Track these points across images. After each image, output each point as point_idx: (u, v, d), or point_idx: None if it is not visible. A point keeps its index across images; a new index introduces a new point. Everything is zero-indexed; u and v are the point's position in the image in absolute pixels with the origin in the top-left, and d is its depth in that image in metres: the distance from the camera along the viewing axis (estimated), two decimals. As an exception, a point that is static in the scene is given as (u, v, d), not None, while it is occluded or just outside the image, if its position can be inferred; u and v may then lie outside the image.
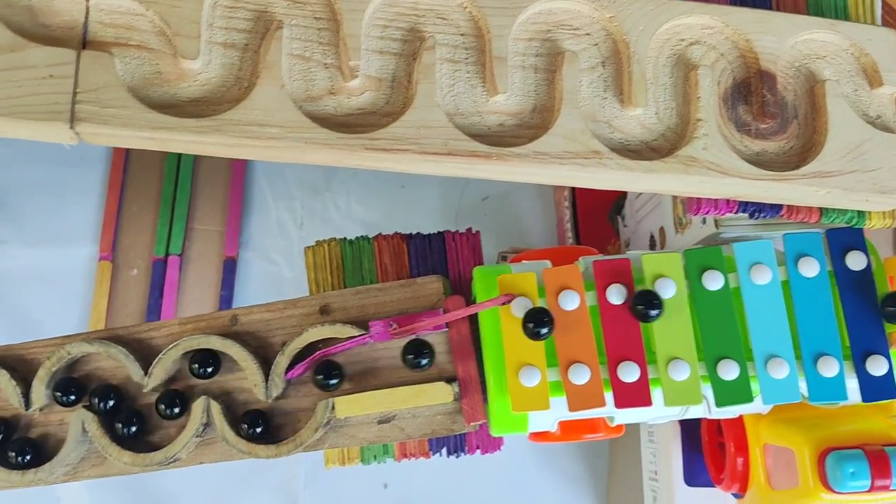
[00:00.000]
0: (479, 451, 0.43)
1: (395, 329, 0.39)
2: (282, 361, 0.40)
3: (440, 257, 0.44)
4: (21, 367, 0.42)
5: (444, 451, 0.43)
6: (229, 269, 0.69)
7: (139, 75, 0.34)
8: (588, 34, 0.39)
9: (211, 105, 0.34)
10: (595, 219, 0.64)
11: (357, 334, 0.39)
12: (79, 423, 0.40)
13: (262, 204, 0.72)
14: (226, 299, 0.69)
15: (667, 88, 0.39)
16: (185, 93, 0.34)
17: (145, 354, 0.41)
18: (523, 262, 0.41)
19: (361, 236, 0.46)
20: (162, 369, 0.40)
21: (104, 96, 0.33)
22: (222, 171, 0.72)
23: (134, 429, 0.39)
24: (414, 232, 0.45)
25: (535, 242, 0.71)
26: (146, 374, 0.40)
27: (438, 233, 0.44)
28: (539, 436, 0.43)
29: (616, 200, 0.63)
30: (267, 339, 0.41)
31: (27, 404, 0.41)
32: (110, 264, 0.69)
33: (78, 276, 0.69)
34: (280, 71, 0.35)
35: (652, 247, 0.54)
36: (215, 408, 0.39)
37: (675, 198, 0.47)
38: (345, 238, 0.46)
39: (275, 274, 0.70)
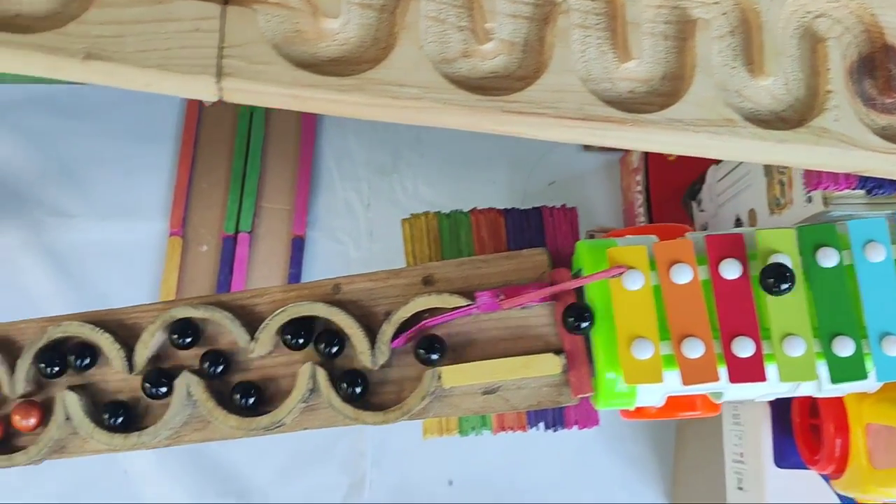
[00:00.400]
0: (576, 426, 0.43)
1: (502, 300, 0.39)
2: (388, 330, 0.40)
3: (537, 232, 0.44)
4: (121, 332, 0.42)
5: (541, 425, 0.43)
6: (297, 247, 0.70)
7: (280, 33, 0.34)
8: (717, 3, 0.39)
9: (350, 65, 0.34)
10: (669, 204, 0.64)
11: (464, 304, 0.39)
12: (184, 387, 0.40)
13: (329, 184, 0.72)
14: (294, 277, 0.69)
15: (794, 60, 0.39)
16: (325, 52, 0.35)
17: (249, 321, 0.41)
18: (627, 237, 0.41)
19: (457, 210, 0.46)
20: (269, 335, 0.40)
21: (250, 52, 0.33)
22: (291, 150, 0.72)
23: (252, 400, 0.40)
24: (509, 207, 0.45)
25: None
26: (252, 339, 0.41)
27: (535, 208, 0.45)
28: (634, 412, 0.43)
29: (691, 185, 0.63)
30: (370, 308, 0.41)
31: (130, 368, 0.41)
32: (181, 240, 0.69)
33: (147, 252, 0.70)
34: (417, 32, 0.35)
35: (737, 230, 0.53)
36: (321, 374, 0.40)
37: (771, 178, 0.46)
38: (439, 211, 0.46)
39: (342, 254, 0.71)
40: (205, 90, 0.33)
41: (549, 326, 0.40)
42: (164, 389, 0.41)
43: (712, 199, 0.58)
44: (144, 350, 0.41)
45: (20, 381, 0.42)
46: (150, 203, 0.71)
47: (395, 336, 0.40)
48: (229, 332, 0.42)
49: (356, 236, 0.71)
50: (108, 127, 0.72)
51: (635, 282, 0.37)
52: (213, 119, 0.73)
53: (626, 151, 0.69)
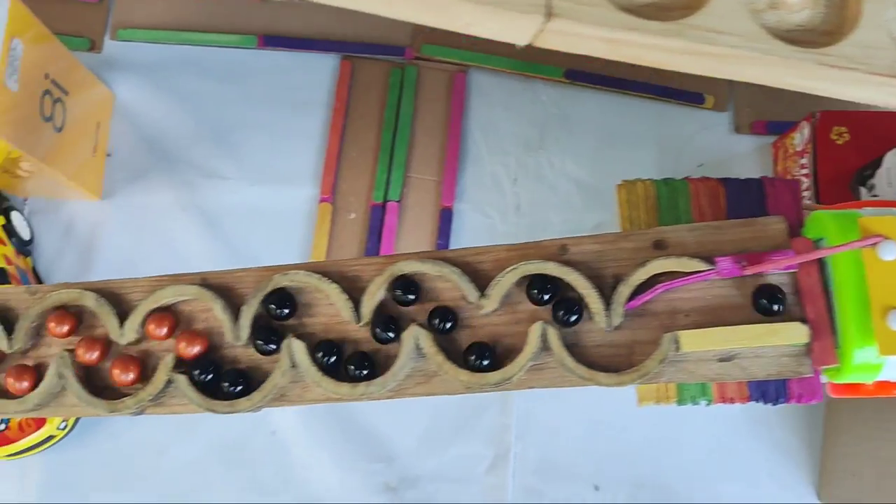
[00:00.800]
0: (799, 399, 0.42)
1: (744, 266, 0.38)
2: (624, 291, 0.40)
3: (758, 203, 0.43)
4: (345, 283, 0.42)
5: (762, 398, 0.42)
6: (446, 218, 0.70)
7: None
8: None
9: (665, 10, 0.34)
10: (835, 188, 0.63)
11: (703, 269, 0.39)
12: (412, 340, 0.41)
13: (476, 158, 0.72)
14: (442, 248, 0.69)
15: None
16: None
17: (474, 278, 0.41)
18: (866, 208, 0.40)
19: (670, 178, 0.46)
20: (500, 292, 0.40)
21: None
22: (439, 123, 0.72)
23: (486, 362, 0.40)
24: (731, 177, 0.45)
25: (756, 211, 0.70)
26: (482, 295, 0.41)
27: (755, 178, 0.44)
28: (848, 388, 0.42)
29: (860, 170, 0.62)
30: (598, 269, 0.41)
31: (357, 318, 0.42)
32: (331, 206, 0.70)
33: (297, 216, 0.70)
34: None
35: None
36: (552, 333, 0.40)
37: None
38: (653, 179, 0.46)
39: (489, 227, 0.71)
40: (526, 31, 0.33)
41: (791, 296, 0.39)
42: (391, 335, 0.41)
43: (891, 183, 0.57)
44: (371, 301, 0.42)
45: (245, 327, 0.42)
46: (299, 169, 0.72)
47: (630, 298, 0.40)
48: (455, 288, 0.42)
49: (503, 210, 0.71)
50: (260, 93, 0.73)
51: (892, 252, 0.37)
52: (363, 90, 0.73)
53: (785, 134, 0.68)
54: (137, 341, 0.44)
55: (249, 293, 0.44)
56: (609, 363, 0.41)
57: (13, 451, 0.61)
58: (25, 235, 0.68)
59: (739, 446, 0.67)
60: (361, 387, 0.41)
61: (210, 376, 0.43)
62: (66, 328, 0.44)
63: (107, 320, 0.44)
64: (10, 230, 0.65)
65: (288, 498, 0.66)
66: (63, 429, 0.63)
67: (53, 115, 0.60)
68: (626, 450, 0.67)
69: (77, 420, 0.64)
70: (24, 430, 0.61)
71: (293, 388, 0.43)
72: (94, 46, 0.73)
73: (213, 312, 0.43)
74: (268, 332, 0.43)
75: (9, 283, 0.62)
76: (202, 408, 0.42)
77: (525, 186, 0.72)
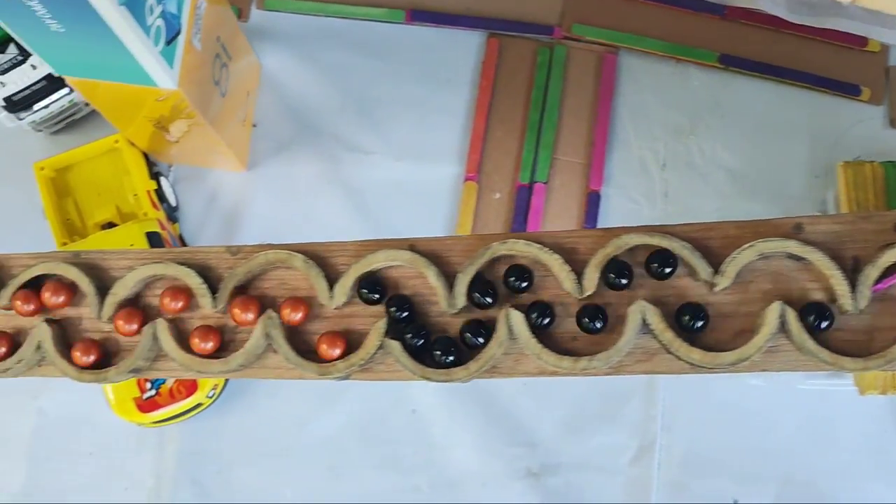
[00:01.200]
0: None
1: None
2: (872, 273, 0.38)
3: None
4: (566, 255, 0.41)
5: None
6: (593, 202, 0.68)
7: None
8: None
9: None
10: None
11: (959, 254, 0.37)
12: (639, 315, 0.39)
13: (624, 142, 0.71)
14: (589, 232, 0.68)
15: None
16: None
17: (704, 254, 0.40)
18: None
19: (892, 161, 0.44)
20: (734, 269, 0.39)
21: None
22: (587, 105, 0.71)
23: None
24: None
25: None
26: (717, 272, 0.39)
27: None
28: None
29: None
30: (838, 250, 0.39)
31: (581, 291, 0.40)
32: (476, 185, 0.69)
33: (441, 194, 0.69)
34: None
35: None
36: (791, 314, 0.38)
37: None
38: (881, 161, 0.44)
39: (635, 212, 0.69)
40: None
41: None
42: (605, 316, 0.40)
43: None
44: (594, 273, 0.40)
45: (461, 295, 0.41)
46: (443, 147, 0.71)
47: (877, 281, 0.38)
48: (685, 264, 0.40)
49: (650, 196, 0.69)
50: (405, 68, 0.72)
51: None
52: (510, 68, 0.72)
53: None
54: (344, 305, 0.43)
55: (459, 261, 0.42)
56: (846, 347, 0.39)
57: (162, 418, 0.61)
58: (173, 202, 0.67)
59: (891, 445, 0.65)
60: (584, 361, 0.40)
61: (421, 342, 0.42)
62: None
63: (316, 282, 0.43)
64: (161, 195, 0.65)
65: (427, 477, 0.65)
66: (211, 397, 0.62)
67: (220, 79, 0.59)
68: (774, 446, 0.65)
69: (223, 390, 0.64)
70: (174, 396, 0.61)
71: (505, 360, 0.41)
72: (241, 15, 0.72)
73: (426, 279, 0.42)
74: (483, 301, 0.42)
75: (163, 247, 0.62)
76: (416, 375, 0.41)
77: (674, 173, 0.70)
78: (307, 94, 0.71)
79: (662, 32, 0.72)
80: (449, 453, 0.65)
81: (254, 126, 0.70)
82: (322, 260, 0.44)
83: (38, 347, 0.44)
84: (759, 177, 0.69)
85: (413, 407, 0.66)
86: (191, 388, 0.60)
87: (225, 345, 0.44)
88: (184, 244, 0.67)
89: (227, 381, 0.63)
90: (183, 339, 0.44)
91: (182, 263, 0.44)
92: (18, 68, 0.62)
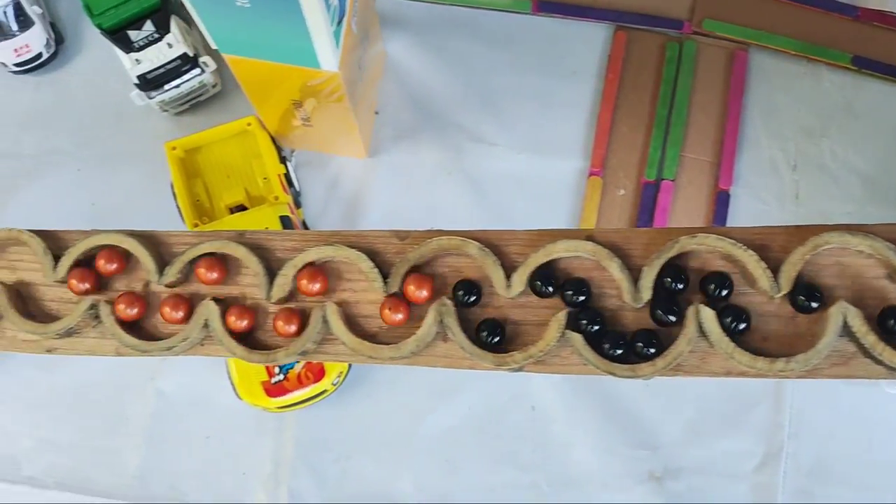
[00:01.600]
0: None
1: None
2: None
3: None
4: (758, 252, 0.40)
5: None
6: (722, 201, 0.67)
7: None
8: None
9: None
10: None
11: None
12: (840, 316, 0.38)
13: (754, 141, 0.69)
14: (717, 232, 0.66)
15: None
16: None
17: (905, 256, 0.38)
18: None
19: None
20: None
21: None
22: (717, 102, 0.69)
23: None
24: None
25: None
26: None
27: None
28: None
29: None
30: None
31: (777, 289, 0.39)
32: (601, 180, 0.67)
33: (563, 188, 0.68)
34: None
35: None
36: None
37: None
38: None
39: (764, 213, 0.67)
40: None
41: None
42: (815, 305, 0.38)
43: None
44: (792, 270, 0.39)
45: (646, 289, 0.40)
46: (567, 140, 0.69)
47: None
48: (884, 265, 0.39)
49: (780, 197, 0.68)
50: (530, 59, 0.71)
51: None
52: (637, 62, 0.70)
53: None
54: (520, 295, 0.42)
55: (639, 254, 0.41)
56: None
57: (287, 403, 0.60)
58: (297, 187, 0.67)
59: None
60: (780, 363, 0.38)
61: (602, 336, 0.40)
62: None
63: (493, 271, 0.42)
64: (289, 180, 0.65)
65: (545, 475, 0.64)
66: (335, 384, 0.62)
67: (362, 64, 0.59)
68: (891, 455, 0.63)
69: (345, 378, 0.63)
70: (302, 382, 0.60)
71: (690, 359, 0.40)
72: (366, 1, 0.71)
73: (603, 272, 0.41)
74: (668, 296, 0.40)
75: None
76: (598, 369, 0.40)
77: (805, 174, 0.68)
78: (430, 82, 0.70)
79: (794, 31, 0.70)
80: (568, 452, 0.64)
81: (376, 113, 0.70)
82: (495, 248, 0.43)
83: (205, 326, 0.44)
84: (892, 182, 0.67)
85: (532, 403, 0.65)
86: (318, 374, 0.60)
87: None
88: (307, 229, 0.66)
89: (349, 368, 0.62)
90: (351, 323, 0.43)
91: (351, 246, 0.44)
92: (154, 46, 0.62)
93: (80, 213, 0.67)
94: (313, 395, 0.61)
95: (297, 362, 0.60)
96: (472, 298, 0.42)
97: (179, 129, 0.70)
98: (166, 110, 0.68)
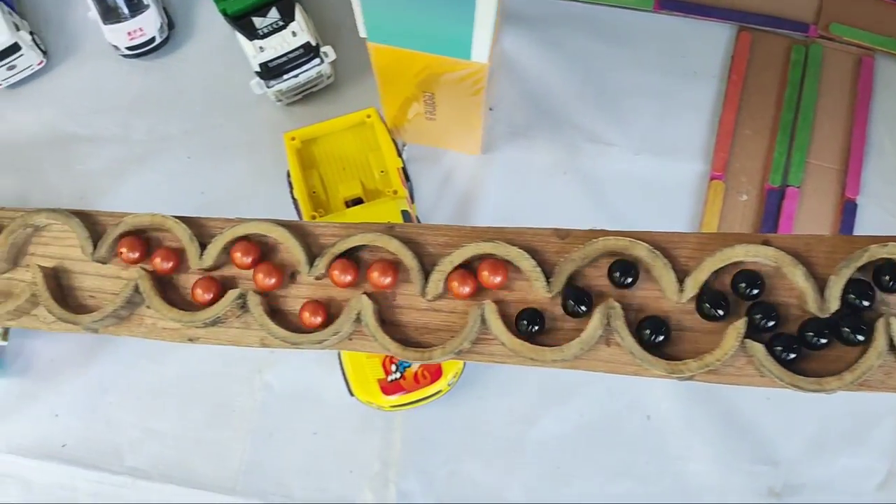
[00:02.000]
0: None
1: None
2: None
3: None
4: None
5: None
6: (849, 211, 0.65)
7: None
8: None
9: None
10: None
11: None
12: None
13: (879, 149, 0.67)
14: (844, 243, 0.64)
15: None
16: None
17: None
18: None
19: None
20: None
21: None
22: (843, 107, 0.67)
23: None
24: None
25: None
26: None
27: None
28: None
29: None
30: None
31: None
32: (723, 185, 0.65)
33: (683, 191, 0.66)
34: None
35: None
36: None
37: None
38: None
39: (891, 225, 0.65)
40: None
41: None
42: None
43: None
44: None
45: (834, 298, 0.38)
46: (687, 142, 0.67)
47: None
48: None
49: (908, 208, 0.65)
50: (652, 57, 0.69)
51: None
52: (762, 64, 0.68)
53: None
54: (690, 300, 0.40)
55: (822, 262, 0.39)
56: None
57: (401, 402, 0.59)
58: (411, 182, 0.65)
59: None
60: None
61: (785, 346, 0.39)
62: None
63: (663, 275, 0.40)
64: (406, 174, 0.63)
65: (661, 488, 0.62)
66: (450, 384, 0.60)
67: (492, 56, 0.57)
68: None
69: (460, 377, 0.61)
70: (419, 381, 0.59)
71: (877, 373, 0.38)
72: (483, -5, 0.70)
73: (787, 279, 0.39)
74: (856, 307, 0.38)
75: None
76: (781, 381, 0.38)
77: (934, 185, 0.66)
78: (547, 79, 0.69)
79: (926, 36, 0.68)
80: (685, 464, 0.62)
81: (490, 109, 0.68)
82: (664, 251, 0.41)
83: (357, 320, 0.43)
84: None
85: (648, 413, 0.63)
86: (436, 374, 0.58)
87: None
88: (420, 226, 0.65)
89: (464, 369, 0.61)
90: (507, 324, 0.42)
91: (510, 244, 0.42)
92: (278, 34, 0.61)
93: (189, 201, 0.67)
94: (429, 394, 0.59)
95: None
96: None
97: (290, 120, 0.69)
98: (280, 100, 0.67)
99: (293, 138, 0.62)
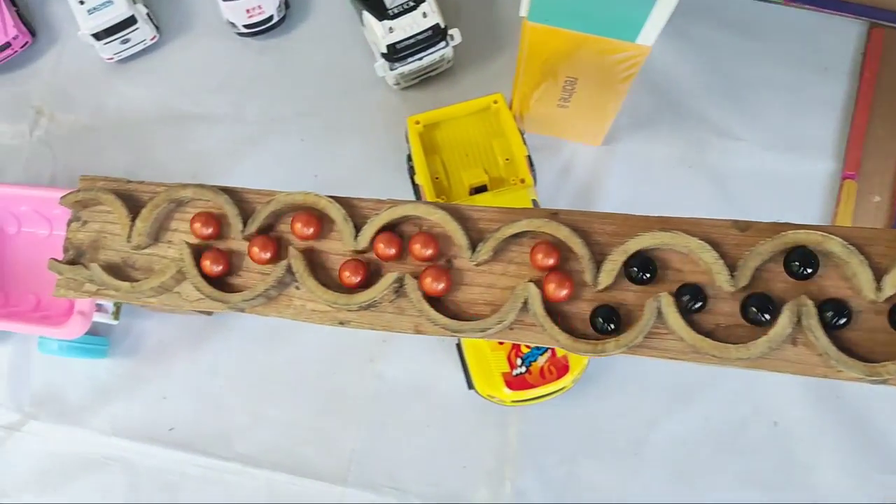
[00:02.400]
0: None
1: None
2: None
3: None
4: None
5: None
6: None
7: None
8: None
9: None
10: None
11: None
12: None
13: None
14: None
15: None
16: None
17: None
18: None
19: None
20: None
21: None
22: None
23: None
24: None
25: None
26: None
27: None
28: None
29: None
30: None
31: None
32: (856, 185, 0.62)
33: (812, 190, 0.64)
34: None
35: None
36: None
37: None
38: None
39: None
40: None
41: None
42: None
43: None
44: None
45: None
46: (817, 139, 0.65)
47: None
48: None
49: None
50: (781, 51, 0.67)
51: None
52: (895, 62, 0.65)
53: None
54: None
55: None
56: None
57: (525, 397, 0.57)
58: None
59: None
60: None
61: None
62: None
63: (859, 272, 0.38)
64: (530, 162, 0.61)
65: (788, 497, 0.59)
66: (574, 381, 0.58)
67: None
68: None
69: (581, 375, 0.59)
70: (545, 376, 0.57)
71: None
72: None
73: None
74: None
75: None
76: None
77: None
78: (672, 70, 0.66)
79: None
80: (814, 474, 0.59)
81: (612, 100, 0.66)
82: (859, 247, 0.39)
83: (524, 309, 0.41)
84: None
85: (775, 418, 0.60)
86: (562, 369, 0.56)
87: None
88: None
89: (587, 366, 0.59)
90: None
91: (691, 235, 0.40)
92: (409, 14, 0.59)
93: (303, 184, 0.64)
94: (552, 390, 0.57)
95: (542, 356, 0.57)
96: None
97: (406, 105, 0.67)
98: (398, 83, 0.65)
99: (417, 122, 0.60)
